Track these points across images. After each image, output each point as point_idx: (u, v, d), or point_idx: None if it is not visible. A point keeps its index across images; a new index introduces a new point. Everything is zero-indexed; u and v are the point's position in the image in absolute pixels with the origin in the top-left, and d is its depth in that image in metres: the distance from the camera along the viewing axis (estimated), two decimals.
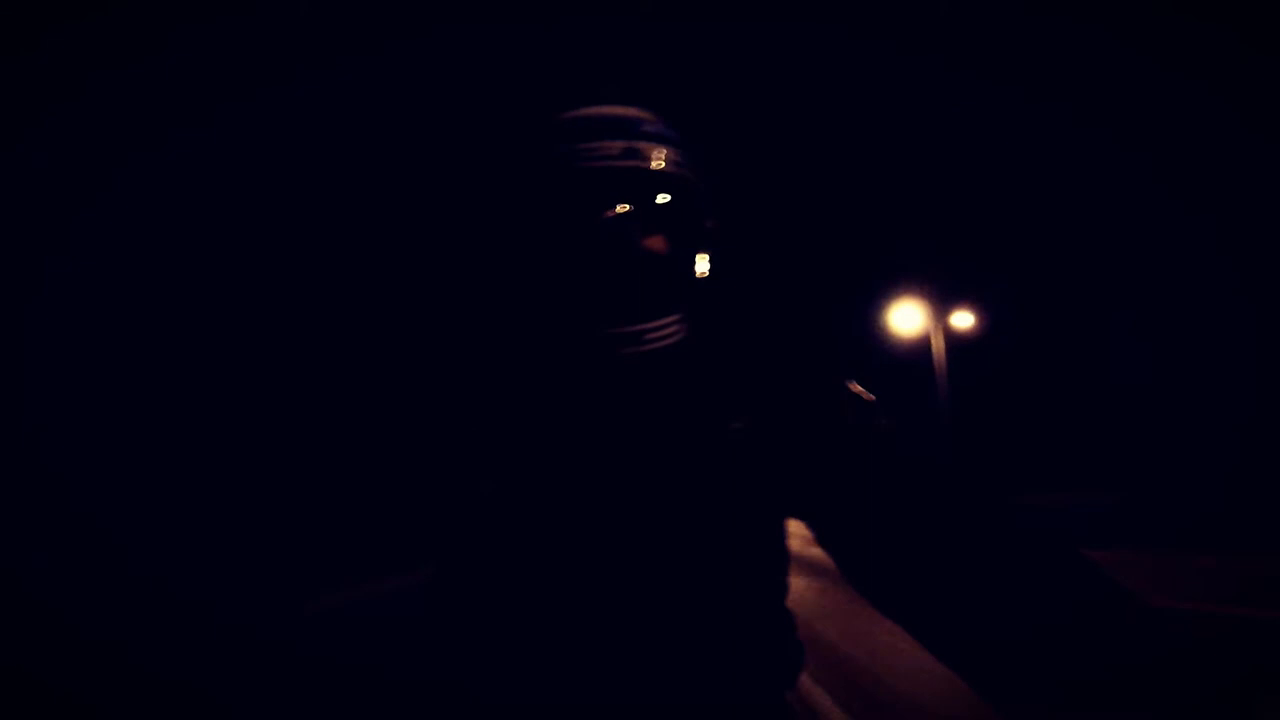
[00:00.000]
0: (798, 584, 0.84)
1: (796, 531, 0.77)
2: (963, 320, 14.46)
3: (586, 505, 0.70)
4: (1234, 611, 4.30)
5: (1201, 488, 10.72)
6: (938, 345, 14.37)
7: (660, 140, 0.74)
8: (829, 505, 0.70)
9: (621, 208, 0.71)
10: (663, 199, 0.73)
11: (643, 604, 0.68)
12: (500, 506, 0.72)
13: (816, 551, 0.71)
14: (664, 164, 0.73)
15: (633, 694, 0.67)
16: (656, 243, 0.73)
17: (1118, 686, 0.55)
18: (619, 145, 0.72)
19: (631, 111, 0.76)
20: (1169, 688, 0.53)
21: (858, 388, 0.74)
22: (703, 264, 0.78)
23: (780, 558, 0.75)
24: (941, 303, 14.57)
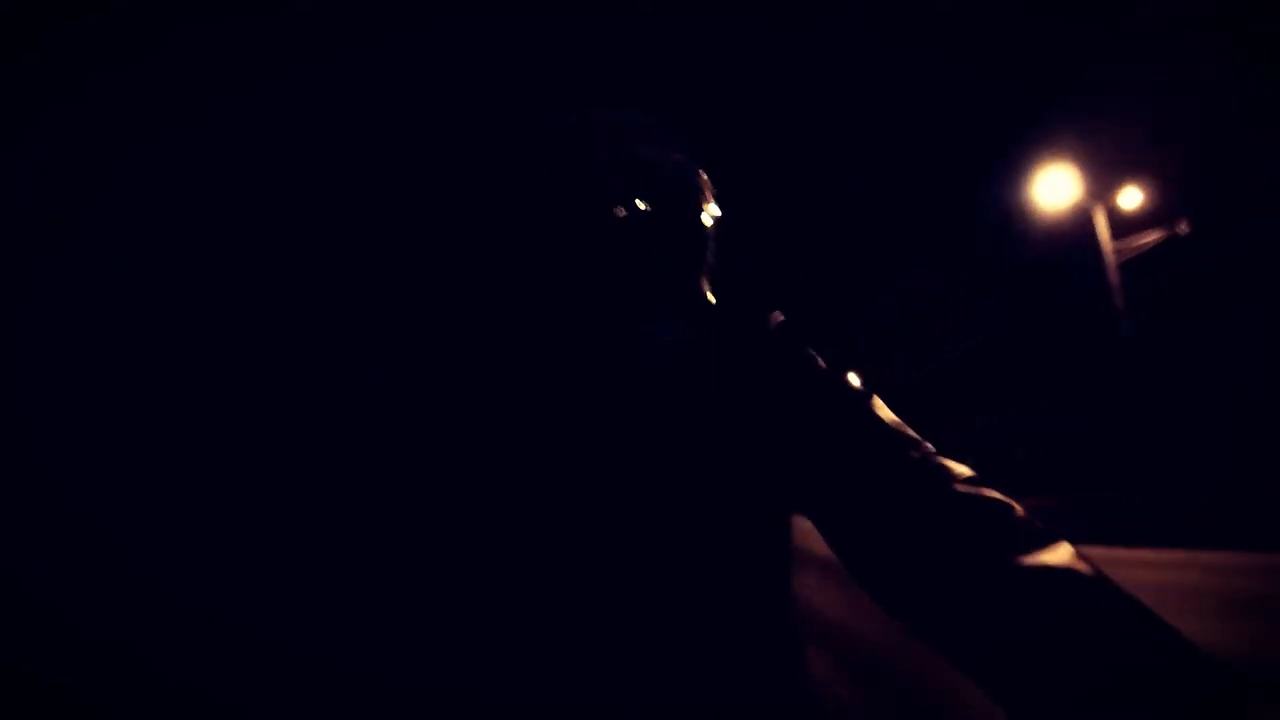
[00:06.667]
0: (804, 579, 0.84)
1: (802, 527, 0.77)
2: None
3: (588, 505, 0.70)
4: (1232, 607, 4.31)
5: (1201, 482, 10.73)
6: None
7: (664, 142, 0.75)
8: (831, 501, 0.70)
9: (626, 210, 0.71)
10: (667, 201, 0.73)
11: (648, 602, 0.68)
12: (500, 506, 0.72)
13: (821, 547, 0.71)
14: (668, 166, 0.73)
15: (636, 694, 0.67)
16: (661, 245, 0.73)
17: (1118, 687, 0.55)
18: (623, 148, 0.72)
19: (635, 114, 0.76)
20: (1168, 688, 0.53)
21: (855, 381, 0.75)
22: (706, 265, 0.78)
23: (786, 553, 0.75)
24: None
